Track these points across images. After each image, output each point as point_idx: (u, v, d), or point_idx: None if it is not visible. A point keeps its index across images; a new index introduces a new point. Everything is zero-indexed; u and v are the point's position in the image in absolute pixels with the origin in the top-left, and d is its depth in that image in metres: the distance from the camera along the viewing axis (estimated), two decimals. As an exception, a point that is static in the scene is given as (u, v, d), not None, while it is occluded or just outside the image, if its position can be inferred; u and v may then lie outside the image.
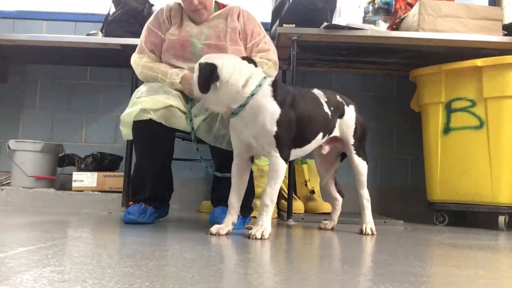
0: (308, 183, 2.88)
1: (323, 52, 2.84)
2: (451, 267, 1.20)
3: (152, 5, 2.90)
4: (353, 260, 1.25)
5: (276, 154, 1.64)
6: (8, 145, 2.69)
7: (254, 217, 2.49)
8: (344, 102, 1.95)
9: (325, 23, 2.52)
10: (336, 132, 1.91)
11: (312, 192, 2.84)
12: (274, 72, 2.07)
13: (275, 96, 1.64)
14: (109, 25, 2.83)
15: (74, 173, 2.70)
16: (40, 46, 2.75)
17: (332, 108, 1.86)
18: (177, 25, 2.06)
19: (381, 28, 2.77)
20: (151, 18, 2.15)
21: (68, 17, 3.32)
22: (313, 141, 1.80)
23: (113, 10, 2.88)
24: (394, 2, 2.94)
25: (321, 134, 1.81)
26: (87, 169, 2.76)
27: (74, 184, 2.67)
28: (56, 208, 2.54)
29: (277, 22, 2.78)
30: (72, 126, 3.24)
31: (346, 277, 1.01)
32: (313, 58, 2.99)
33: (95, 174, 2.68)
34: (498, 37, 2.57)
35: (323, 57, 2.96)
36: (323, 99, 1.85)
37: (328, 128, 1.85)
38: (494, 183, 2.39)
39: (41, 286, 0.79)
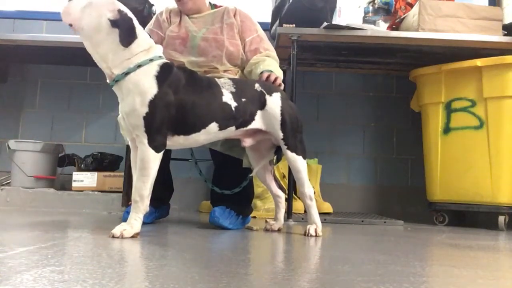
0: (308, 183, 2.87)
1: (323, 52, 2.85)
2: (451, 267, 1.20)
3: (152, 5, 2.90)
4: (353, 260, 1.25)
5: (144, 141, 1.51)
6: (8, 145, 2.69)
7: (254, 217, 2.50)
8: (265, 91, 1.78)
9: (325, 23, 2.53)
10: (257, 125, 1.75)
11: (312, 192, 2.83)
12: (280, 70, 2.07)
13: (158, 76, 1.53)
14: (109, 25, 2.83)
15: (74, 173, 2.70)
16: (40, 46, 2.74)
17: (244, 100, 1.71)
18: (176, 23, 2.12)
19: (381, 28, 2.77)
20: (151, 20, 2.21)
21: (68, 17, 3.31)
22: (203, 131, 1.63)
23: (113, 10, 2.87)
24: (394, 2, 2.94)
25: (215, 124, 1.65)
26: (87, 169, 2.76)
27: (74, 184, 2.67)
28: (56, 208, 2.54)
29: (277, 22, 2.78)
30: (72, 126, 3.24)
31: (346, 277, 1.01)
32: (313, 58, 2.99)
33: (95, 174, 2.68)
34: (498, 37, 2.57)
35: (323, 57, 2.96)
36: (228, 88, 1.71)
37: (234, 119, 1.69)
38: (494, 183, 2.39)
39: (41, 286, 0.79)
